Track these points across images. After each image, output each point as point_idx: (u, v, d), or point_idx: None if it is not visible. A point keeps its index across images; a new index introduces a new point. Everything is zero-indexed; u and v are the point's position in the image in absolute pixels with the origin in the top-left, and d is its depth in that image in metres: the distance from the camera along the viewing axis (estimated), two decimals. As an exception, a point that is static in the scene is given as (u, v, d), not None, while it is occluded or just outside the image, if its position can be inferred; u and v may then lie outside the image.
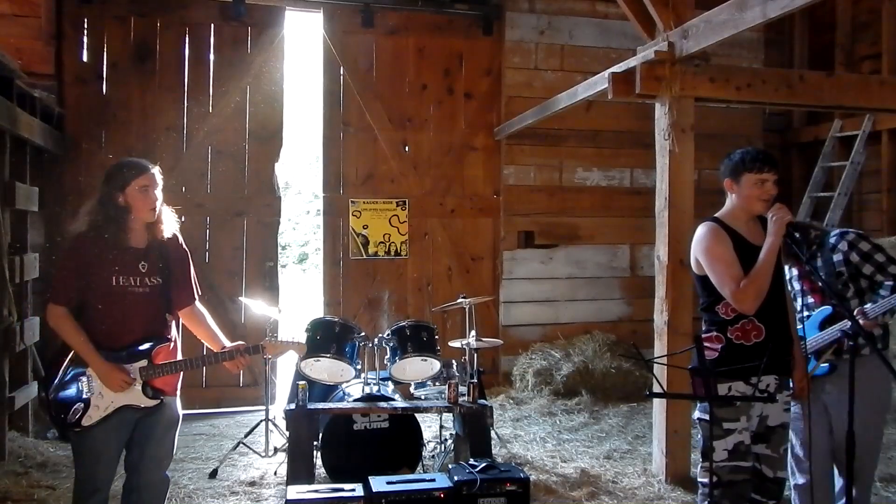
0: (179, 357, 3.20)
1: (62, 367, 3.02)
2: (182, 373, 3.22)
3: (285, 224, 14.24)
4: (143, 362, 3.04)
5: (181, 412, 3.25)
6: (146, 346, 3.07)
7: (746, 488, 3.04)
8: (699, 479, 3.12)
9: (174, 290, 3.20)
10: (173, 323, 3.23)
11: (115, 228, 3.03)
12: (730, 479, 2.99)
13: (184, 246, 3.31)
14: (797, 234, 2.98)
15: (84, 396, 2.98)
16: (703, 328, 3.17)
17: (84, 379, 3.00)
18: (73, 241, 3.09)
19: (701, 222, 3.19)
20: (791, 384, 3.13)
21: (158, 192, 3.11)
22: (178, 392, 3.23)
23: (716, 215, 3.17)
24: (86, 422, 2.96)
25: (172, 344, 3.19)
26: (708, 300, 3.12)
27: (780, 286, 3.09)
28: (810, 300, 3.43)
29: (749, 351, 2.99)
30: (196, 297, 3.32)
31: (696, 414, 3.12)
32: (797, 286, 3.51)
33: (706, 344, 3.05)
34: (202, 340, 3.35)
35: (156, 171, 3.13)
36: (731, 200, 3.15)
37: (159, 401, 3.08)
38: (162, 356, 3.10)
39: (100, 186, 3.10)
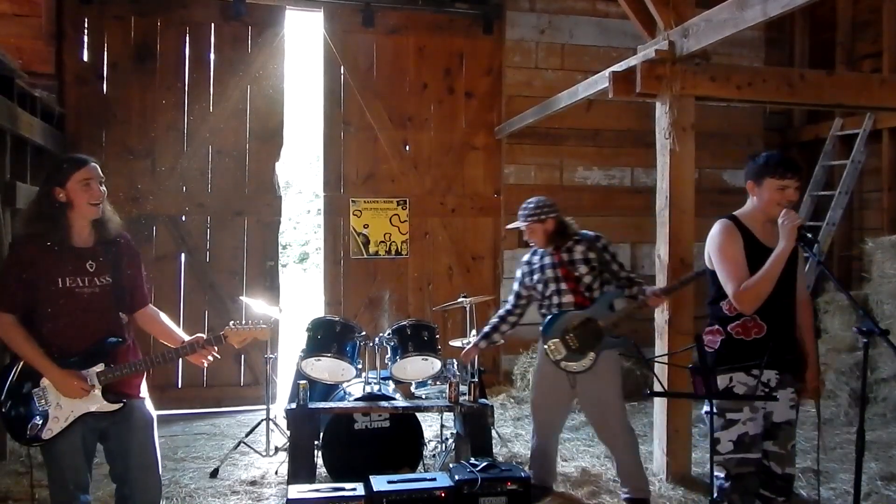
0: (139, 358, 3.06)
1: (9, 381, 2.87)
2: (146, 374, 3.10)
3: (286, 223, 14.27)
4: (100, 366, 2.90)
5: (154, 413, 3.11)
6: (101, 348, 2.92)
7: (753, 482, 3.07)
8: (715, 473, 3.09)
9: (129, 291, 3.06)
10: (128, 324, 3.09)
11: (55, 227, 2.86)
12: (738, 473, 3.03)
13: (134, 246, 3.17)
14: (809, 236, 3.00)
15: (41, 409, 2.83)
16: (708, 321, 3.21)
17: (38, 391, 2.85)
18: (13, 243, 2.92)
19: (718, 219, 3.21)
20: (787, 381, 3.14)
21: (101, 187, 2.95)
22: (146, 393, 3.11)
23: (734, 213, 3.19)
24: (46, 435, 2.82)
25: (130, 344, 3.06)
26: (715, 295, 3.17)
27: (790, 287, 3.10)
28: (564, 286, 4.12)
29: (748, 346, 3.04)
30: (149, 299, 3.21)
31: (705, 408, 3.10)
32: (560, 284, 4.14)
33: (707, 336, 3.11)
34: (160, 340, 3.20)
35: (95, 164, 2.97)
36: (751, 202, 3.18)
37: (122, 404, 2.93)
38: (120, 358, 2.97)
39: (40, 185, 2.94)
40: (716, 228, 3.16)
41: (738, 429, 3.02)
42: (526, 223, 4.22)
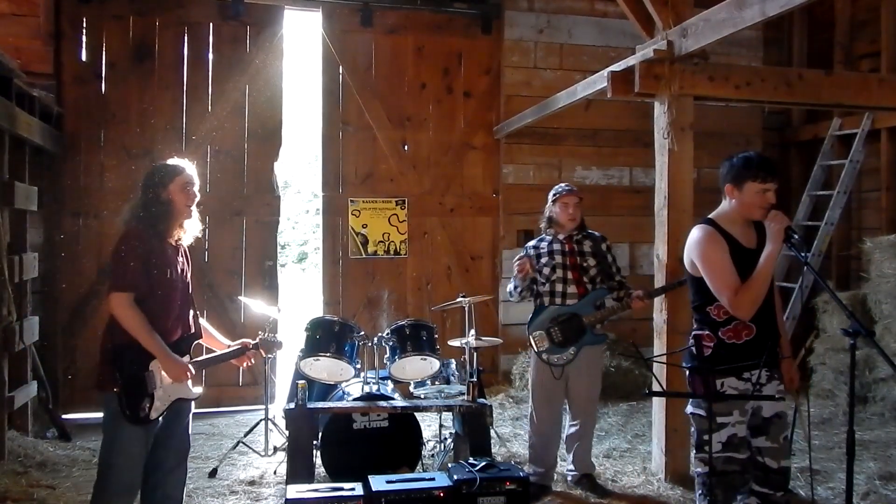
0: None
1: (125, 364, 3.00)
2: None
3: (284, 223, 14.22)
4: (187, 356, 3.15)
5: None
6: (188, 340, 3.20)
7: (738, 479, 3.11)
8: (696, 470, 3.18)
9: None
10: None
11: (162, 223, 3.12)
12: (723, 470, 3.06)
13: None
14: (796, 237, 3.00)
15: (149, 392, 3.02)
16: (694, 326, 3.19)
17: (148, 373, 3.02)
18: (129, 232, 3.09)
19: (696, 223, 3.19)
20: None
21: (196, 191, 3.24)
22: None
23: (710, 216, 3.16)
24: (153, 415, 3.02)
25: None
26: (700, 301, 3.14)
27: (770, 286, 3.10)
28: (570, 275, 4.31)
29: (741, 349, 3.03)
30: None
31: (689, 409, 3.18)
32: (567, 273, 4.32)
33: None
34: (204, 342, 3.46)
35: (192, 172, 3.25)
36: (728, 203, 3.13)
37: (199, 394, 3.22)
38: (195, 351, 3.27)
39: (143, 184, 3.18)
40: (697, 234, 3.10)
41: (727, 431, 3.04)
42: (576, 196, 4.40)
